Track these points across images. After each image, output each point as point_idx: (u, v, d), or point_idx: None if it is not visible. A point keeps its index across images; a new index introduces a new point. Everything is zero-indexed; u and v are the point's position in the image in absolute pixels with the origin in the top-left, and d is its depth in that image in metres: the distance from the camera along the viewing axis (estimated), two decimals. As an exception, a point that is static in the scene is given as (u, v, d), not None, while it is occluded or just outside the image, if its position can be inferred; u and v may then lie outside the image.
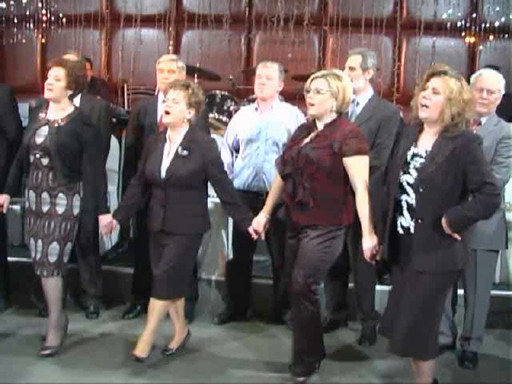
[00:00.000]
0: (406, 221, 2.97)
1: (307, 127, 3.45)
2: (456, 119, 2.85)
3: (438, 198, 2.87)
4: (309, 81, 3.36)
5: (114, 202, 4.85)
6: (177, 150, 3.48)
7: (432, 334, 3.01)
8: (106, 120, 4.26)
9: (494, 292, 3.84)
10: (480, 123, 3.60)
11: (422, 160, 2.91)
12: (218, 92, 5.51)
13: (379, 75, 5.76)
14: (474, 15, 7.10)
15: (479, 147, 2.88)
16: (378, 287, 4.10)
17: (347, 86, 3.34)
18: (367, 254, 3.16)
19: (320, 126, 3.36)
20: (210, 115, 5.13)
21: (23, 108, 4.33)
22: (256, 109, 4.14)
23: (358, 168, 3.25)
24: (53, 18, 7.35)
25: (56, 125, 3.56)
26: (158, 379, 3.45)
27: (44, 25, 7.41)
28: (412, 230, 2.94)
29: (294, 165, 3.30)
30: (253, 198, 3.93)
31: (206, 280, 4.55)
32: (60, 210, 3.56)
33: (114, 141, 4.74)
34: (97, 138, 3.70)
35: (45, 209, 3.57)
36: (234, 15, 7.29)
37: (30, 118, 4.03)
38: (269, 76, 4.06)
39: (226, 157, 4.12)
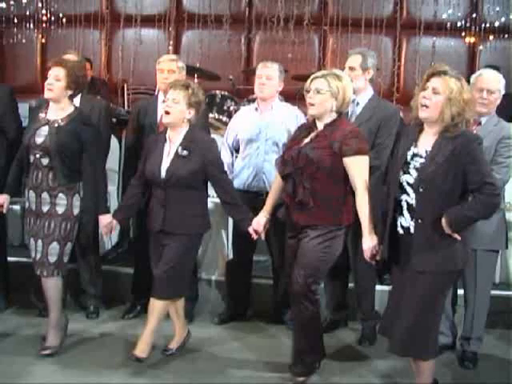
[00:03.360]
0: (405, 221, 2.97)
1: (307, 127, 3.45)
2: (456, 119, 2.85)
3: (438, 198, 2.87)
4: (309, 81, 3.36)
5: (114, 202, 4.86)
6: (177, 150, 3.48)
7: (432, 334, 3.01)
8: (105, 120, 4.26)
9: (494, 292, 3.84)
10: (480, 123, 3.60)
11: (422, 160, 2.91)
12: (217, 92, 5.50)
13: (379, 75, 5.76)
14: (474, 15, 7.11)
15: (479, 147, 2.88)
16: (378, 287, 4.10)
17: (347, 85, 3.34)
18: (367, 254, 3.16)
19: (320, 126, 3.35)
20: (210, 115, 5.13)
21: (23, 108, 4.33)
22: (256, 109, 4.14)
23: (357, 168, 3.25)
24: (53, 18, 7.36)
25: (56, 125, 3.56)
26: (158, 379, 3.45)
27: (44, 25, 7.42)
28: (412, 230, 2.93)
29: (294, 165, 3.29)
30: (253, 198, 3.93)
31: (206, 280, 4.55)
32: (60, 210, 3.56)
33: (114, 141, 4.74)
34: (97, 137, 3.70)
35: (45, 209, 3.57)
36: (234, 15, 7.29)
37: (30, 118, 4.02)
38: (269, 76, 4.06)
39: (226, 157, 4.12)
